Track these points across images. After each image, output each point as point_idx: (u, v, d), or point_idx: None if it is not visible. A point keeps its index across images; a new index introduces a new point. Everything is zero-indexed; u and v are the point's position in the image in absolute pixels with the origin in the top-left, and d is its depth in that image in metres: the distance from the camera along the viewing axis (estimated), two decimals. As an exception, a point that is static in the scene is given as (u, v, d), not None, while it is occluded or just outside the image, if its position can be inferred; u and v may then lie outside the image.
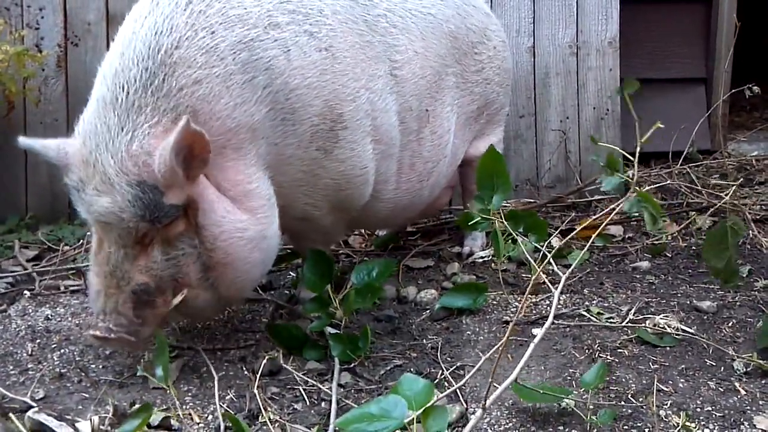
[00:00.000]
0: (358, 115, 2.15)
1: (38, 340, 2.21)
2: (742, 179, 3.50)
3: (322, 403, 1.89)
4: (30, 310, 2.43)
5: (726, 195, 2.70)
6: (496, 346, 1.73)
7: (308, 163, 2.10)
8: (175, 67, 1.82)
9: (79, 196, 1.87)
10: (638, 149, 1.88)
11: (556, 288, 1.79)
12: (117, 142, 1.79)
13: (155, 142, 1.78)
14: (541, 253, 2.06)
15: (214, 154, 1.84)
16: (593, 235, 1.96)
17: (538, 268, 1.76)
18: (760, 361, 2.00)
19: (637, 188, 1.90)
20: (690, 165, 3.64)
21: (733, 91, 3.59)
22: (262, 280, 2.40)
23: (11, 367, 2.06)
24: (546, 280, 1.93)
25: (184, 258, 1.89)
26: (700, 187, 3.41)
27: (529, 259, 2.04)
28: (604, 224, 1.89)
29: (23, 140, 1.95)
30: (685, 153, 3.52)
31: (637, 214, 2.84)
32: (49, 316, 2.38)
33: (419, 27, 2.42)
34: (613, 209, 1.88)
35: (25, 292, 2.57)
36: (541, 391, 1.78)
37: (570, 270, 1.88)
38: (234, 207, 1.91)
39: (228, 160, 1.90)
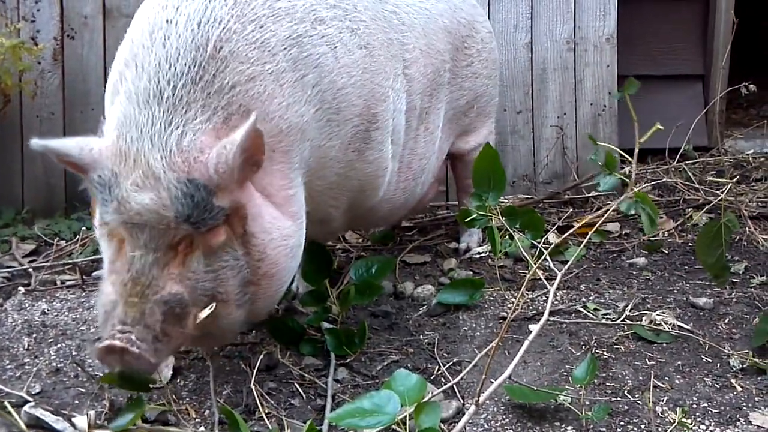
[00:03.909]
0: (387, 115, 2.10)
1: (35, 335, 2.21)
2: (738, 176, 3.51)
3: (319, 399, 1.90)
4: (26, 305, 2.42)
5: (722, 192, 2.70)
6: (492, 343, 1.73)
7: (344, 165, 2.02)
8: (226, 62, 1.70)
9: (109, 192, 1.67)
10: (636, 150, 1.88)
11: (552, 284, 1.79)
12: (165, 136, 1.64)
13: (206, 140, 1.66)
14: (538, 249, 2.06)
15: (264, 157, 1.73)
16: (590, 232, 1.96)
17: (534, 264, 1.76)
18: (756, 359, 2.00)
19: (635, 189, 1.90)
20: (686, 162, 3.64)
21: (730, 88, 3.60)
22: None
23: (7, 362, 2.06)
24: (542, 277, 1.94)
25: (226, 271, 1.71)
26: (696, 184, 3.41)
27: (526, 255, 2.04)
28: (600, 221, 1.89)
29: (36, 142, 1.70)
30: (681, 150, 3.52)
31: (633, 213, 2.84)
32: (46, 311, 2.37)
33: (420, 23, 2.37)
34: (611, 207, 1.89)
35: (20, 288, 2.56)
36: (535, 388, 1.78)
37: (566, 267, 1.88)
38: (279, 213, 1.80)
39: (276, 163, 1.78)
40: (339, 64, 1.91)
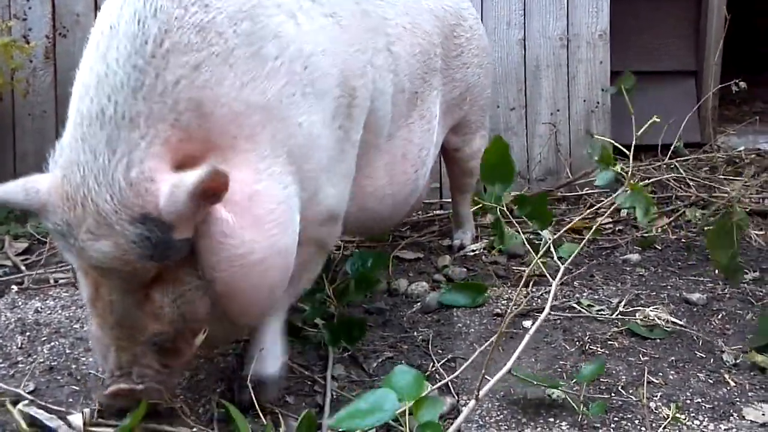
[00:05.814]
0: (365, 93, 1.92)
1: (28, 333, 2.20)
2: (753, 173, 3.53)
3: (314, 395, 1.89)
4: (19, 303, 2.41)
5: (731, 190, 2.72)
6: (490, 339, 1.74)
7: (333, 144, 1.82)
8: (167, 57, 1.51)
9: (65, 241, 1.53)
10: (633, 143, 1.89)
11: (554, 280, 1.80)
12: (110, 169, 1.46)
13: (155, 164, 1.48)
14: (542, 245, 2.06)
15: (224, 147, 1.56)
16: (590, 230, 1.97)
17: (537, 258, 1.76)
18: (755, 354, 2.00)
19: (632, 182, 1.91)
20: (679, 159, 3.66)
21: (723, 85, 3.61)
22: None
23: (1, 360, 2.05)
24: (545, 270, 1.94)
25: (192, 293, 1.58)
26: (688, 181, 3.43)
27: (530, 249, 2.04)
28: (599, 221, 1.90)
29: None
30: (673, 146, 3.54)
31: (627, 207, 2.85)
32: (39, 309, 2.36)
33: (401, 0, 2.24)
34: (611, 205, 1.89)
35: (13, 286, 2.56)
36: (534, 382, 1.79)
37: (567, 262, 1.88)
38: (234, 224, 1.54)
39: (238, 152, 1.57)
40: (302, 30, 1.72)
